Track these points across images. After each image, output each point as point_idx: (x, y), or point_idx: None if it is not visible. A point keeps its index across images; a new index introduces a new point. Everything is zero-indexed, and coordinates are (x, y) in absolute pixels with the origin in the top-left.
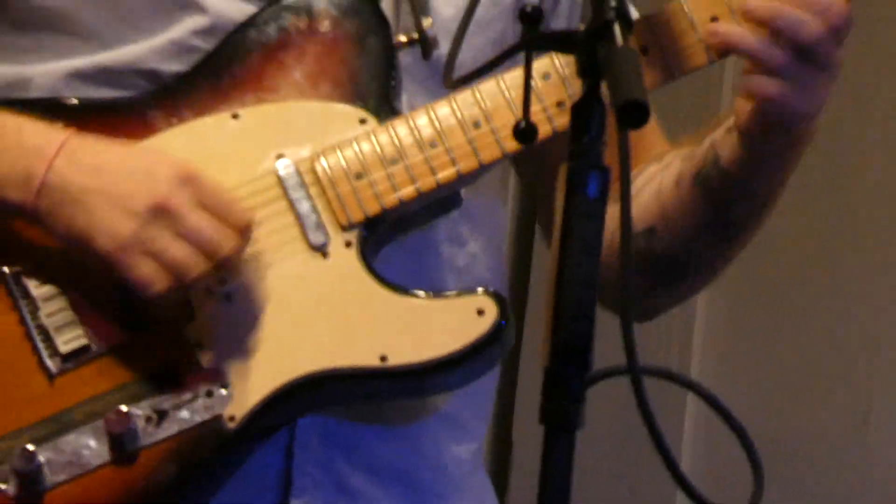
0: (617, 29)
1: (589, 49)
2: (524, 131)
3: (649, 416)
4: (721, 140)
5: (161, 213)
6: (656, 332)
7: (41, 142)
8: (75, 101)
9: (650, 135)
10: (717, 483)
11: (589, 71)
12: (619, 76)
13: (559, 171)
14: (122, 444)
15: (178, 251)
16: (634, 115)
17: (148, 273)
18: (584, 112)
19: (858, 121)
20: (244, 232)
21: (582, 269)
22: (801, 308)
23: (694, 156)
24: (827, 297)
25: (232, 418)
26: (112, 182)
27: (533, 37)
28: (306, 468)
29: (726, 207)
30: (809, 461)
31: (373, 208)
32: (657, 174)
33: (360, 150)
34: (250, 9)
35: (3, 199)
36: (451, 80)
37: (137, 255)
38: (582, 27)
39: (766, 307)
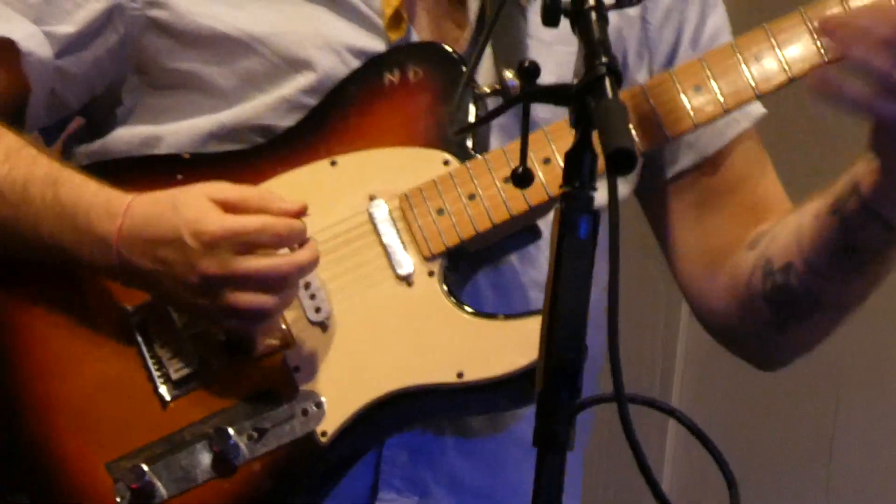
0: (608, 83)
1: (581, 101)
2: (520, 176)
3: (633, 439)
4: (860, 170)
5: (209, 281)
6: (642, 363)
7: (102, 229)
8: (188, 156)
9: (776, 193)
10: (695, 500)
11: (581, 121)
12: (609, 126)
13: (672, 189)
14: (226, 460)
15: (245, 299)
16: (623, 161)
17: (234, 326)
18: (576, 159)
19: (831, 144)
20: (292, 233)
21: (573, 302)
22: None
23: (832, 191)
24: None
25: (324, 434)
26: (162, 261)
27: (530, 90)
28: (392, 481)
29: (856, 233)
30: (779, 478)
31: (452, 240)
32: (795, 217)
33: (442, 189)
34: (355, 64)
35: (95, 271)
36: (456, 129)
37: (216, 315)
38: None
39: None
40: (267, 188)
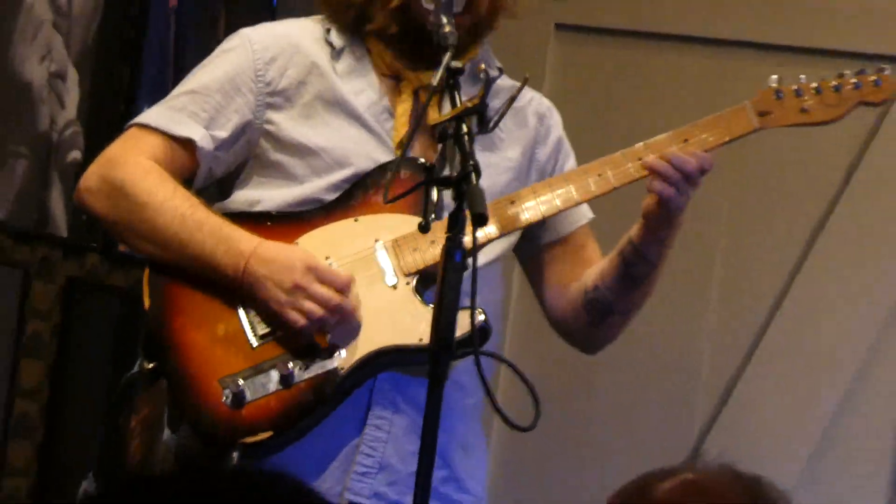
0: (473, 176)
1: (458, 186)
2: (423, 227)
3: (482, 375)
4: (634, 228)
5: (297, 288)
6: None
7: (244, 248)
8: (274, 213)
9: (598, 255)
10: (516, 412)
11: (458, 196)
12: (473, 201)
13: (543, 251)
14: (286, 380)
15: (309, 305)
16: (481, 220)
17: (294, 317)
18: (455, 218)
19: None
20: (344, 288)
21: (450, 299)
22: None
23: (619, 243)
24: None
25: (342, 368)
26: (274, 271)
27: (429, 178)
28: (380, 401)
29: (632, 267)
30: (562, 402)
31: (420, 266)
32: (599, 262)
33: (417, 237)
34: (373, 167)
35: (223, 276)
36: (386, 199)
37: (288, 309)
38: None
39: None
40: (313, 234)
